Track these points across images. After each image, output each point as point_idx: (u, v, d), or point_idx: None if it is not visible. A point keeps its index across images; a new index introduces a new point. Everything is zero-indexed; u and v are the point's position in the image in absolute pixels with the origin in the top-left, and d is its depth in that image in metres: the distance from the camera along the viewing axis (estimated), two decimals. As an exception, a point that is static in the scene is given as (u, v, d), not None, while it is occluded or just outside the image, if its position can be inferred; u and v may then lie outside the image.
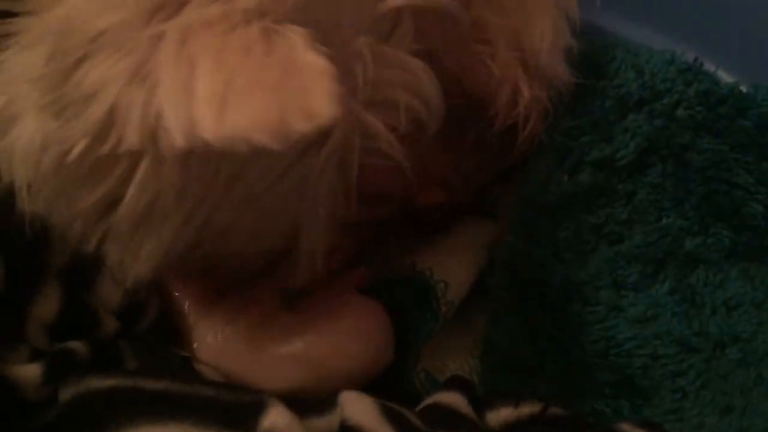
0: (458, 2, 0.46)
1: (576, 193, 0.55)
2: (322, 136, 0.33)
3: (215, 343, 0.46)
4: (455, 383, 0.48)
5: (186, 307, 0.47)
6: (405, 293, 0.53)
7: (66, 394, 0.38)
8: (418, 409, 0.45)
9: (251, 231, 0.42)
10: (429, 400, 0.46)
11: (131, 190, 0.35)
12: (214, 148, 0.30)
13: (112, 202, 0.36)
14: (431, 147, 0.51)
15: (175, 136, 0.31)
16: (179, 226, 0.37)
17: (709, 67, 0.58)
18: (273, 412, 0.35)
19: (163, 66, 0.32)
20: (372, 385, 0.47)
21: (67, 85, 0.33)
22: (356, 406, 0.38)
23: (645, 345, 0.54)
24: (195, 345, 0.46)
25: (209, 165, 0.36)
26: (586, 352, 0.54)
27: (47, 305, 0.41)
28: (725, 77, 0.60)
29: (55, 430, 0.37)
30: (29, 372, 0.38)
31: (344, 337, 0.46)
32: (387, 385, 0.49)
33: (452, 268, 0.54)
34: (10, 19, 0.36)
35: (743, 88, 0.58)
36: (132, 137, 0.33)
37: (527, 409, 0.45)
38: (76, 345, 0.40)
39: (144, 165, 0.35)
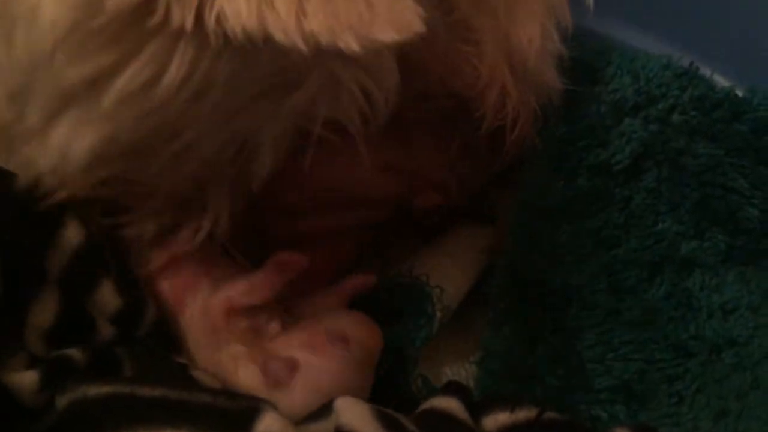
0: (440, 10, 0.46)
1: (573, 197, 0.55)
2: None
3: (208, 352, 0.46)
4: (452, 388, 0.48)
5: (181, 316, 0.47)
6: (401, 298, 0.53)
7: (62, 401, 0.38)
8: (414, 414, 0.45)
9: (187, 154, 0.40)
10: (425, 405, 0.46)
11: (135, 67, 0.34)
12: (278, 44, 0.30)
13: (98, 80, 0.35)
14: (425, 147, 0.51)
15: (238, 27, 0.30)
16: (148, 113, 0.36)
17: (705, 71, 0.59)
18: (267, 418, 0.36)
19: None
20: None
21: None
22: (351, 412, 0.39)
23: (641, 349, 0.54)
24: (191, 353, 0.46)
25: (229, 59, 0.35)
26: (583, 356, 0.54)
27: (45, 310, 0.41)
28: (721, 82, 0.60)
29: (54, 436, 0.37)
30: (26, 379, 0.38)
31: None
32: (384, 389, 0.49)
33: (449, 272, 0.55)
34: None
35: (739, 93, 0.58)
36: (182, 19, 0.32)
37: (523, 414, 0.45)
38: (73, 352, 0.40)
39: (157, 43, 0.33)
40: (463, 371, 0.54)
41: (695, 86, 0.56)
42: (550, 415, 0.46)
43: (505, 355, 0.53)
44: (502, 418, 0.45)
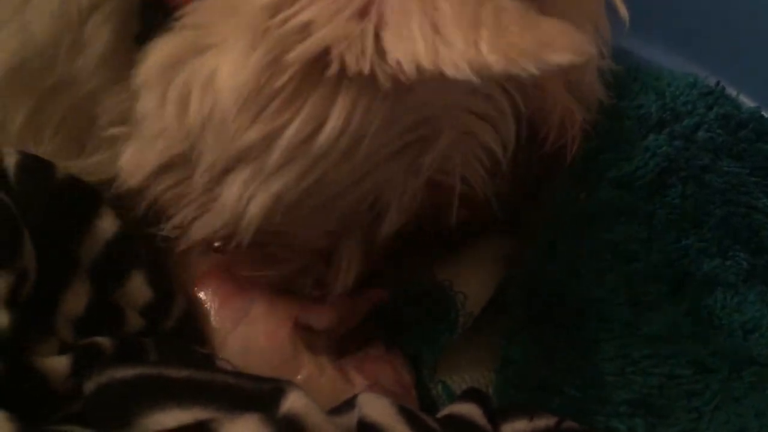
0: None
1: (594, 210, 0.56)
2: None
3: (235, 351, 0.47)
4: (471, 395, 0.48)
5: (211, 312, 0.48)
6: (424, 303, 0.53)
7: (90, 385, 0.38)
8: (434, 418, 0.45)
9: (327, 209, 0.42)
10: (445, 411, 0.46)
11: (295, 124, 0.36)
12: (450, 78, 0.31)
13: (271, 138, 0.37)
14: None
15: (413, 65, 0.32)
16: (307, 169, 0.38)
17: (731, 92, 0.59)
18: (292, 396, 0.36)
19: (398, 4, 0.32)
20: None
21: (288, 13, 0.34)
22: (374, 406, 0.39)
23: (661, 364, 0.54)
24: (217, 348, 0.47)
25: (378, 110, 0.36)
26: (602, 369, 0.54)
27: (77, 298, 0.42)
28: (747, 102, 0.61)
29: (82, 419, 0.37)
30: (58, 364, 0.38)
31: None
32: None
33: (471, 279, 0.55)
34: None
35: (764, 113, 0.58)
36: (357, 66, 0.33)
37: (542, 422, 0.46)
38: (102, 340, 0.41)
39: (315, 98, 0.35)
40: (483, 379, 0.55)
41: (721, 105, 0.57)
42: (568, 424, 0.46)
43: (523, 365, 0.54)
44: (521, 425, 0.45)
